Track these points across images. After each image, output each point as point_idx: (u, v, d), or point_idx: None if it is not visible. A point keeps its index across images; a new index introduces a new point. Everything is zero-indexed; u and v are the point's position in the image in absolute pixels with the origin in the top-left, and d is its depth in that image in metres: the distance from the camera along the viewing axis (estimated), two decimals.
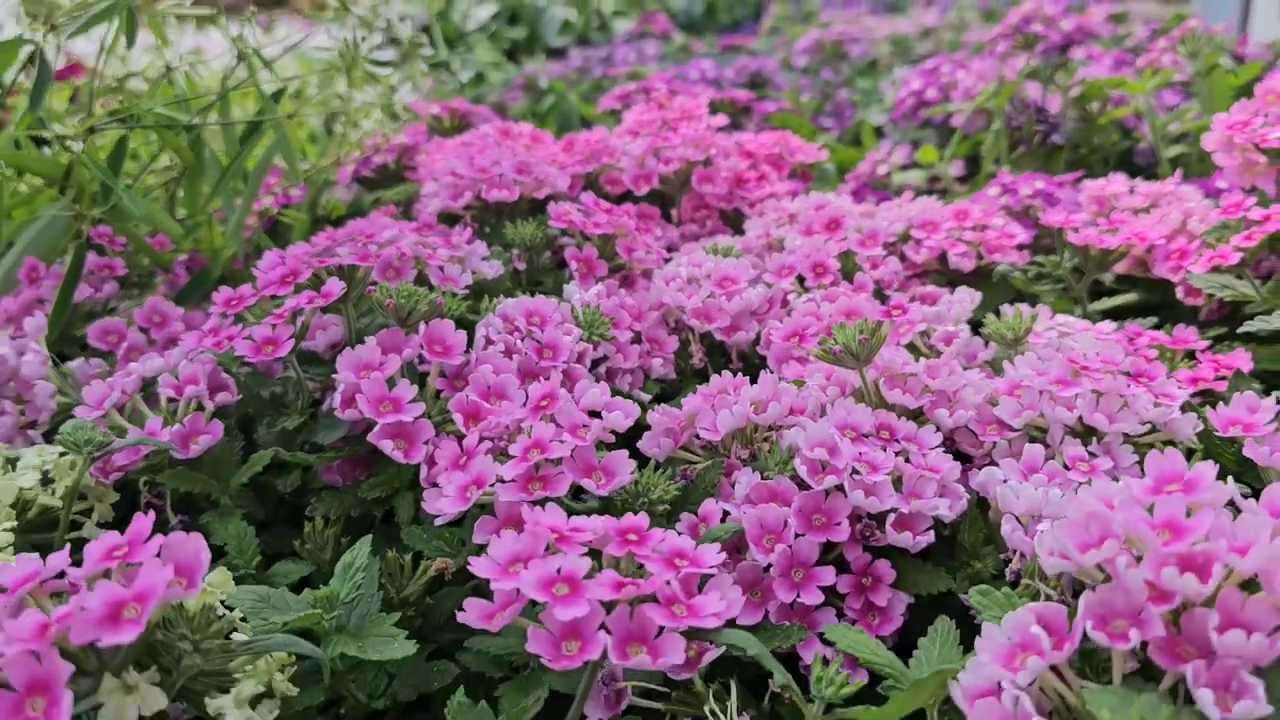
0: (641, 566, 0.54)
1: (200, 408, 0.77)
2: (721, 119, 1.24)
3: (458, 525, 0.71)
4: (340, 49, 1.14)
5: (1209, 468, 0.49)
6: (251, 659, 0.53)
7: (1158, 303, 1.06)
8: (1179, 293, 1.00)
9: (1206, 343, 0.88)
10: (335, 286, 0.78)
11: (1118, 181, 1.13)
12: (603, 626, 0.51)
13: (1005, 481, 0.64)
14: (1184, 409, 0.73)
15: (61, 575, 0.49)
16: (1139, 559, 0.46)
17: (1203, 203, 1.05)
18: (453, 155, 1.15)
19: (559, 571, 0.52)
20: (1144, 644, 0.45)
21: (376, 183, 1.35)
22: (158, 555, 0.49)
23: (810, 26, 2.64)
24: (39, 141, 1.06)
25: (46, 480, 0.73)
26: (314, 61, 1.50)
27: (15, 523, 0.66)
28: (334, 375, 0.75)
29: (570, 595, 0.51)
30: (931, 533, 0.64)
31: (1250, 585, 0.45)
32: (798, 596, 0.62)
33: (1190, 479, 0.50)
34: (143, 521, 0.50)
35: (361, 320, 0.88)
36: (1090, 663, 0.49)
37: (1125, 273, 1.05)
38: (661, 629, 0.52)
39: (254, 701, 0.53)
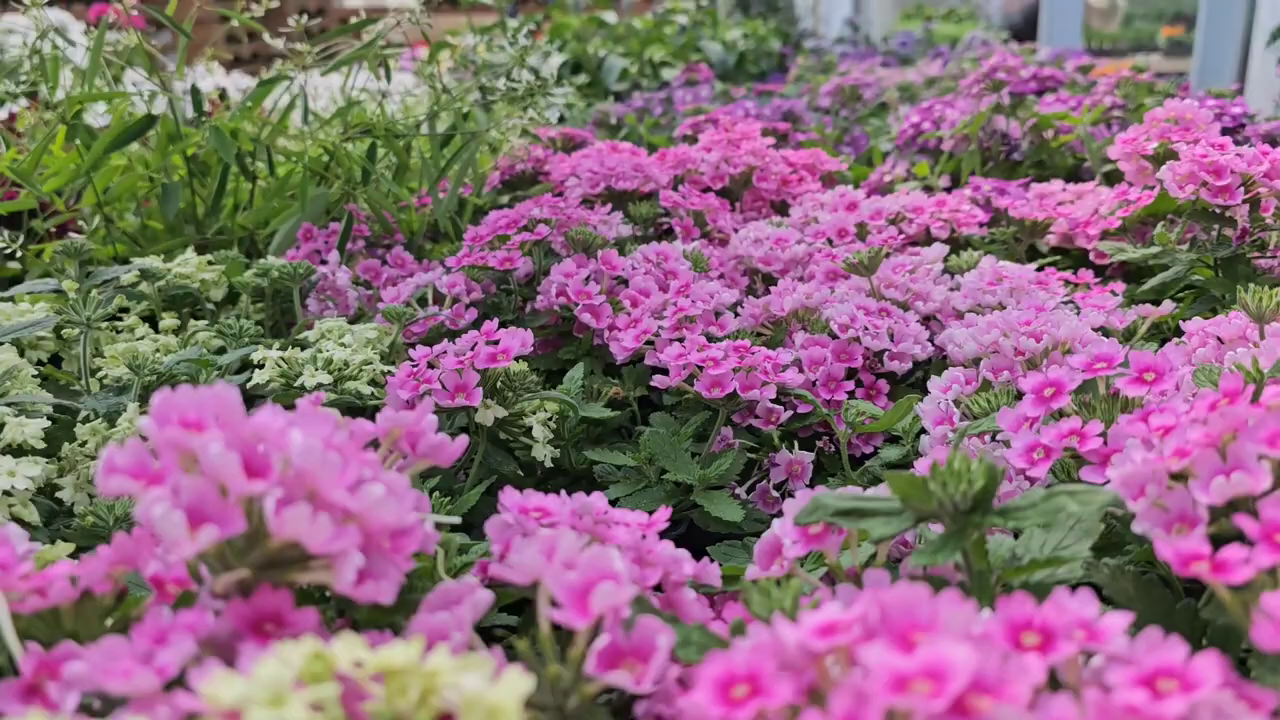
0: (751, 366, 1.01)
1: (456, 300, 1.24)
2: (770, 140, 1.71)
3: (617, 373, 1.17)
4: (508, 91, 1.62)
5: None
6: (541, 403, 1.00)
7: (1078, 267, 1.52)
8: (1091, 256, 1.46)
9: (1097, 280, 1.34)
10: (543, 229, 1.25)
11: (1055, 184, 1.59)
12: (733, 387, 0.97)
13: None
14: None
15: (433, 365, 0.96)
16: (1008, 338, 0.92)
17: (1113, 197, 1.52)
18: (581, 162, 1.62)
19: (708, 358, 0.98)
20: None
21: (514, 185, 1.82)
22: (496, 342, 0.96)
23: (831, 75, 3.12)
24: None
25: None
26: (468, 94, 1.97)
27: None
28: (537, 290, 1.22)
29: (715, 365, 0.97)
30: (910, 364, 1.10)
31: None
32: (832, 396, 1.08)
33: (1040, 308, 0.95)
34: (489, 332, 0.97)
35: (545, 261, 1.34)
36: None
37: (1056, 245, 1.51)
38: (762, 385, 0.98)
39: (544, 422, 0.99)
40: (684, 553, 0.59)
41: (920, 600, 0.39)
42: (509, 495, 0.60)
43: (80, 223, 1.65)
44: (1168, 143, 1.31)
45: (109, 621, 0.49)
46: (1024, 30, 5.77)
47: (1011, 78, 1.79)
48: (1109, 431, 0.67)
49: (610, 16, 3.72)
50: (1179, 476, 0.52)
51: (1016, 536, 0.60)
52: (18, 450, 0.79)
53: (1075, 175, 1.89)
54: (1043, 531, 0.57)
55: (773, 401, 1.03)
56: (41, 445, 0.80)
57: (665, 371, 1.00)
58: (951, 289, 1.27)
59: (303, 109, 1.56)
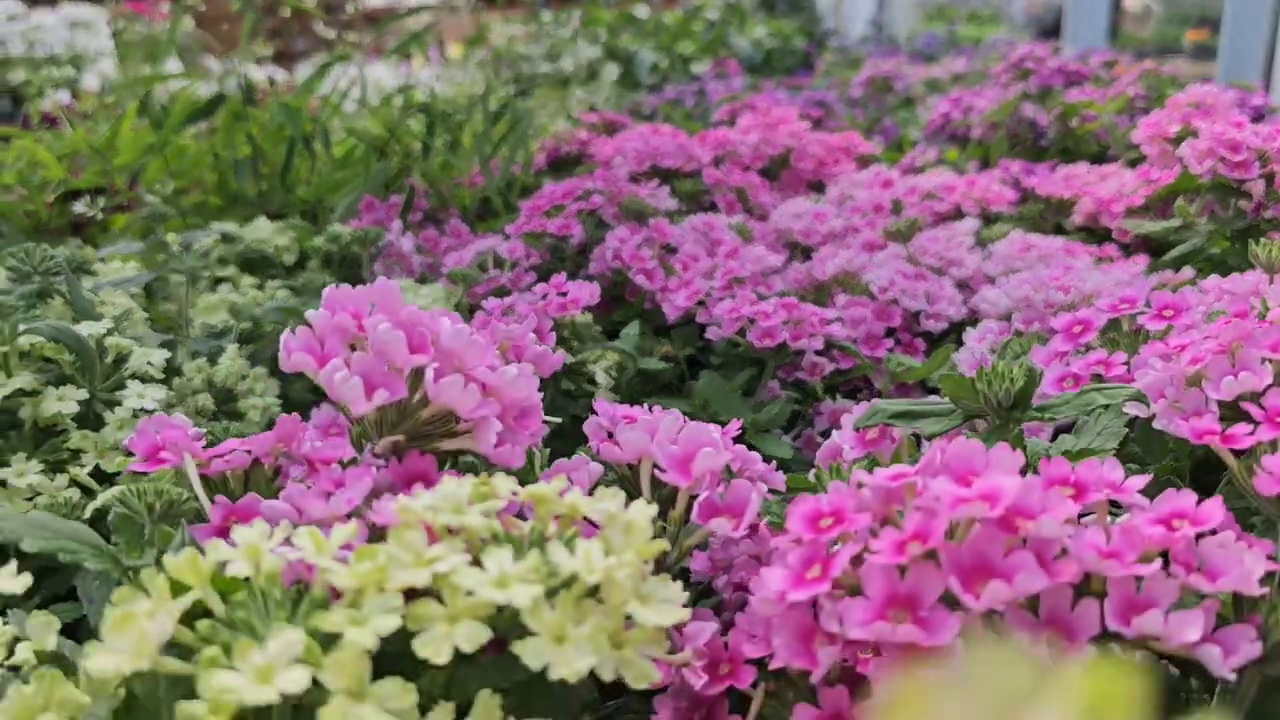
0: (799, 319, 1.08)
1: (516, 265, 1.32)
2: (806, 124, 1.79)
3: (666, 336, 1.25)
4: (554, 76, 1.71)
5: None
6: (602, 353, 1.08)
7: (1102, 244, 1.60)
8: (1114, 234, 1.53)
9: (1121, 254, 1.41)
10: (596, 199, 1.33)
11: (1081, 166, 1.67)
12: (783, 337, 1.05)
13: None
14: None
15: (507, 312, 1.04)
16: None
17: (1136, 177, 1.59)
18: (626, 142, 1.71)
19: (759, 311, 1.06)
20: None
21: (558, 166, 1.90)
22: (565, 293, 1.04)
23: (860, 69, 3.19)
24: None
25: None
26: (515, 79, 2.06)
27: None
28: (589, 258, 1.30)
29: (766, 317, 1.05)
30: (946, 325, 1.18)
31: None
32: (873, 353, 1.15)
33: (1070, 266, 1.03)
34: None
35: (597, 231, 1.42)
36: None
37: (1081, 224, 1.59)
38: (810, 335, 1.05)
39: (605, 370, 1.07)
40: (755, 454, 0.67)
41: (976, 451, 0.47)
42: (602, 405, 0.68)
43: (150, 197, 1.74)
44: (1189, 126, 1.39)
45: (274, 486, 0.57)
46: (1048, 33, 5.82)
47: (1039, 67, 1.86)
48: (1132, 361, 0.74)
49: (642, 11, 3.81)
50: (1194, 381, 0.60)
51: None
52: (142, 378, 0.87)
53: (1100, 161, 1.96)
54: (1073, 437, 0.65)
55: (817, 354, 1.11)
56: (160, 376, 0.89)
57: (713, 331, 1.09)
58: (984, 258, 1.34)
59: (362, 89, 1.65)
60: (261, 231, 1.37)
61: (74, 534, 0.51)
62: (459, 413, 0.51)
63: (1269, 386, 0.56)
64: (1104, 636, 0.44)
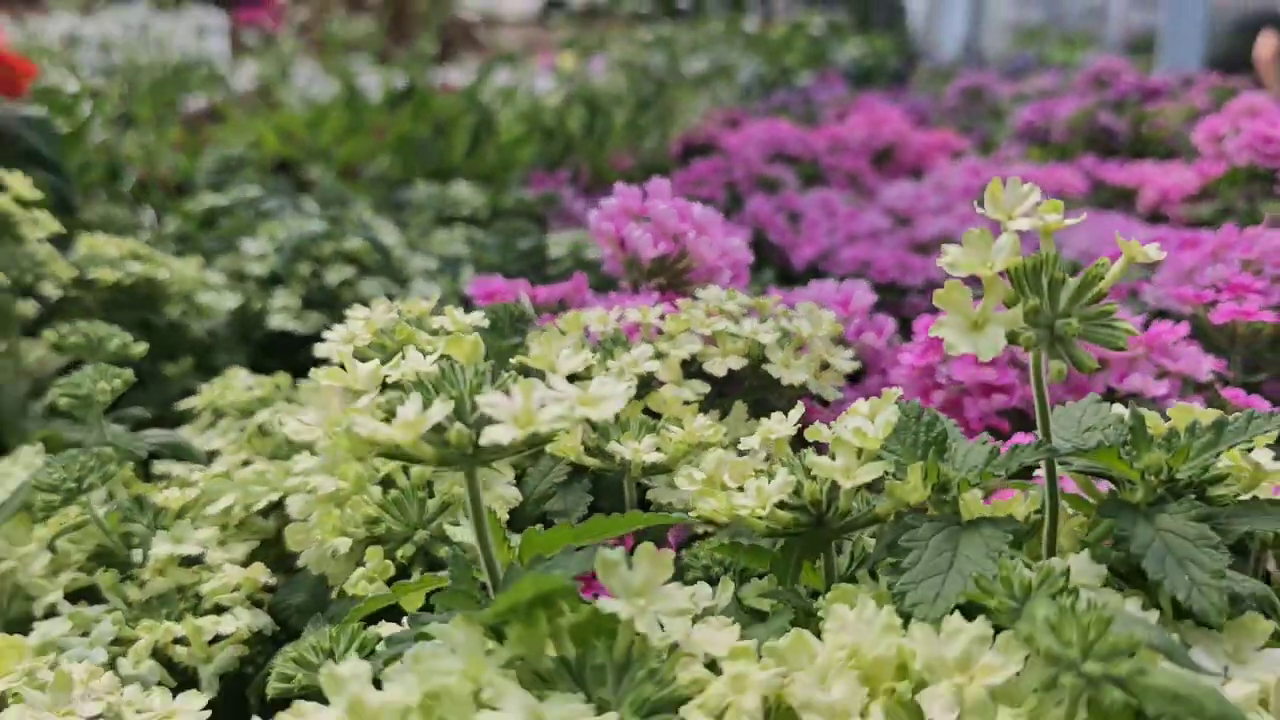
0: None
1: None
2: (909, 123, 2.07)
3: (796, 280, 1.54)
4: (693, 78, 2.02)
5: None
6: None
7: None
8: (1171, 221, 1.78)
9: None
10: (738, 173, 1.64)
11: (1147, 163, 1.92)
12: (893, 276, 1.34)
13: None
14: None
15: None
16: None
17: (1193, 171, 1.84)
18: (753, 133, 2.01)
19: (875, 255, 1.35)
20: None
21: (689, 154, 2.21)
22: None
23: (951, 82, 3.45)
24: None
25: None
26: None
27: None
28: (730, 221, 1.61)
29: (881, 260, 1.34)
30: None
31: None
32: None
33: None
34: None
35: (733, 204, 1.72)
36: None
37: (1145, 211, 1.84)
38: (912, 274, 1.34)
39: None
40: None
41: None
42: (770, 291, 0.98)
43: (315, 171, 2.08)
44: (1238, 128, 1.65)
45: None
46: (1141, 53, 5.96)
47: (1115, 80, 2.12)
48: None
49: (750, 25, 4.11)
50: (1190, 272, 0.88)
51: None
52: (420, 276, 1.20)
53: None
54: None
55: (918, 294, 1.40)
56: (431, 274, 1.21)
57: (836, 271, 1.38)
58: None
59: (530, 84, 1.98)
60: (462, 193, 1.70)
61: None
62: (705, 262, 0.81)
63: (1234, 275, 0.84)
64: (1108, 394, 0.72)
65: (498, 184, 1.99)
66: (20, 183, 0.87)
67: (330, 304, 1.11)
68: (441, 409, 0.39)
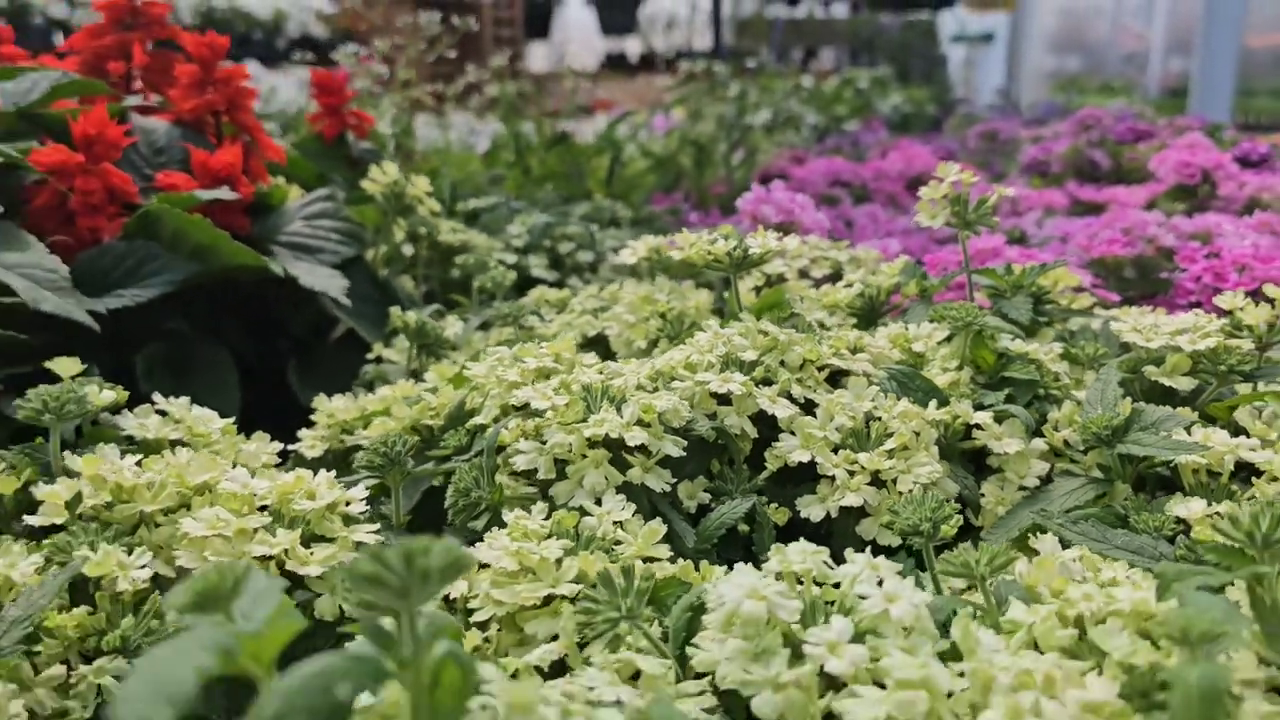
0: None
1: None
2: (934, 161, 2.71)
3: None
4: (770, 124, 2.67)
5: None
6: None
7: None
8: None
9: None
10: (809, 192, 2.28)
11: (1120, 187, 2.54)
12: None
13: None
14: None
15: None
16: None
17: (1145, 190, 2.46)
18: (815, 166, 2.65)
19: (904, 249, 1.98)
20: None
21: (766, 179, 2.86)
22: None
23: (975, 125, 4.07)
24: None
25: None
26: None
27: None
28: None
29: (910, 253, 1.97)
30: None
31: None
32: None
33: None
34: None
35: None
36: None
37: None
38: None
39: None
40: None
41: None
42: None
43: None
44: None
45: None
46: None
47: (1098, 124, 2.75)
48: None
49: (807, 80, 4.78)
50: (1127, 229, 1.51)
51: None
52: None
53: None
54: None
55: None
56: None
57: None
58: (1040, 226, 2.24)
59: (646, 131, 2.65)
60: (610, 207, 2.36)
61: None
62: (804, 227, 1.45)
63: (1110, 233, 1.46)
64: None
65: (628, 203, 2.65)
66: (421, 181, 1.52)
67: (559, 265, 1.76)
68: (725, 244, 1.03)
